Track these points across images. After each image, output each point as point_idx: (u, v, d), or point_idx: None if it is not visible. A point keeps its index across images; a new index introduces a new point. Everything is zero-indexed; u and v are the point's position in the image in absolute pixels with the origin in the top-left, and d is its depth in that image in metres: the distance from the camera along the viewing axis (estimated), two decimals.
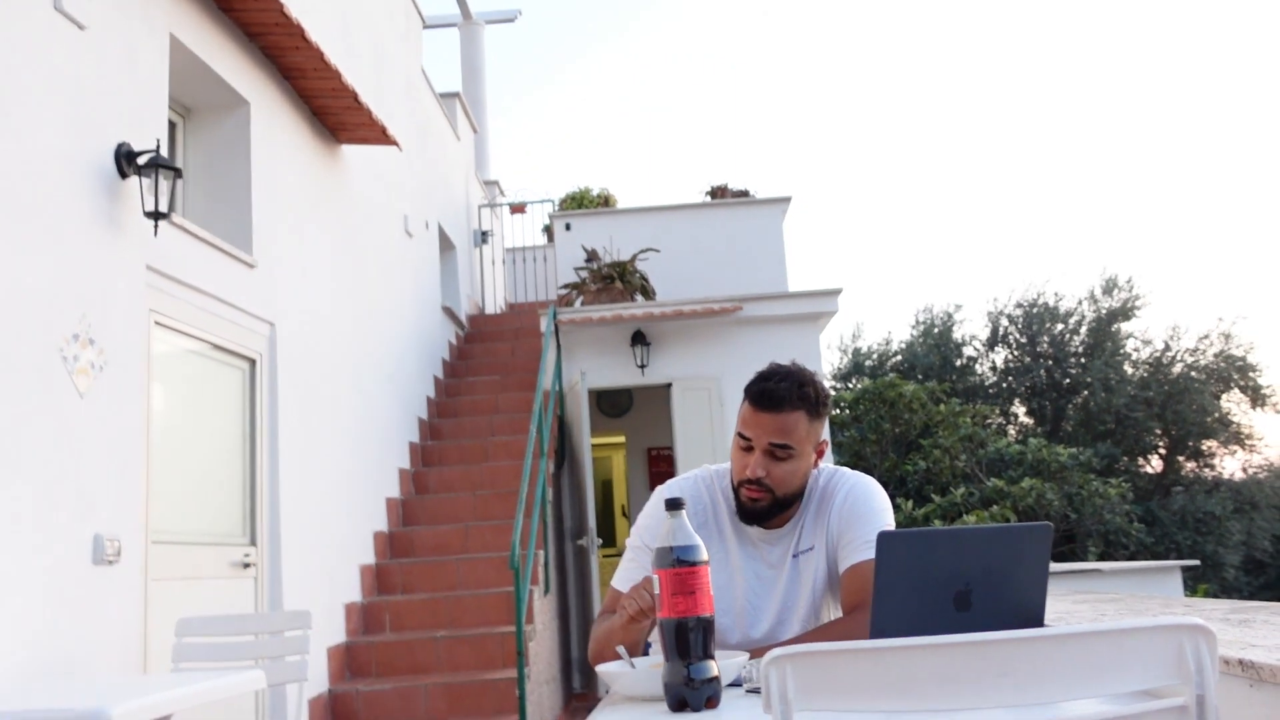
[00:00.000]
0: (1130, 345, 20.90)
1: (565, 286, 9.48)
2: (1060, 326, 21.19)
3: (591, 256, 9.32)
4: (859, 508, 2.01)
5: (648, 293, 9.21)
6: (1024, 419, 21.48)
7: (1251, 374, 20.19)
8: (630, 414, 10.82)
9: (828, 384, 11.78)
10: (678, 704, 1.44)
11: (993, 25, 40.27)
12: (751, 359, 8.34)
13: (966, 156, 42.26)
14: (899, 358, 21.78)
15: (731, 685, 1.62)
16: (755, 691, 1.56)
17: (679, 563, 1.47)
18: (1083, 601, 2.38)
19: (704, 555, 1.49)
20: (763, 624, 2.03)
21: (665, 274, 9.54)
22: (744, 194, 10.31)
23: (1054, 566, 10.57)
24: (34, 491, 3.34)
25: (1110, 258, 39.49)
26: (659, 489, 2.19)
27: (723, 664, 1.51)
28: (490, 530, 6.98)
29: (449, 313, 9.60)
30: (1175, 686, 1.01)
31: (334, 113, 6.14)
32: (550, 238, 11.96)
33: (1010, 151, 41.28)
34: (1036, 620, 1.59)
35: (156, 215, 3.98)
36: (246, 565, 4.86)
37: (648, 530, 2.10)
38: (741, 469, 1.98)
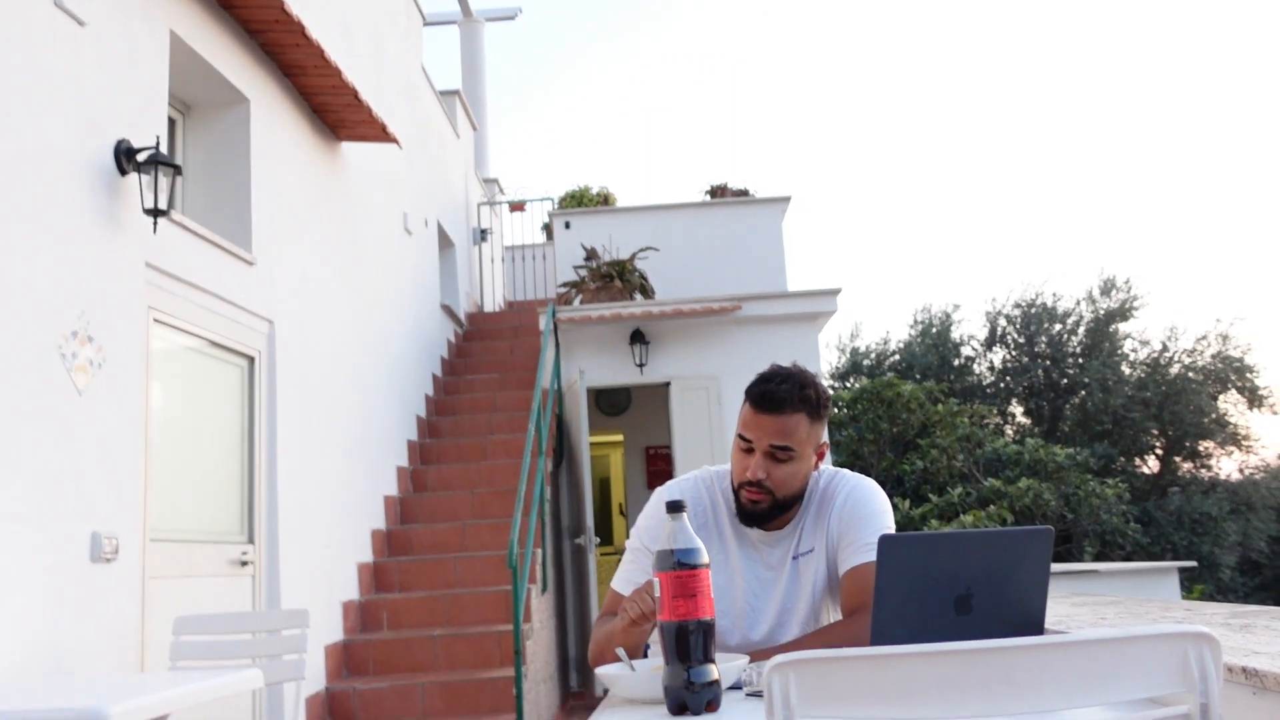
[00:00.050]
0: (1128, 346, 20.92)
1: (564, 285, 9.47)
2: (1058, 327, 21.20)
3: (591, 255, 9.31)
4: (859, 510, 2.01)
5: (647, 291, 9.21)
6: (1021, 419, 21.49)
7: (1249, 375, 20.22)
8: (628, 413, 10.82)
9: (826, 383, 11.78)
10: (678, 707, 1.43)
11: (992, 25, 40.27)
12: (750, 358, 8.35)
13: (965, 156, 42.26)
14: (897, 357, 21.79)
15: (732, 688, 1.61)
16: (756, 695, 1.55)
17: (680, 565, 1.47)
18: (1082, 604, 2.38)
19: (705, 558, 1.48)
20: (762, 626, 2.03)
21: (664, 273, 9.54)
22: (743, 193, 10.31)
23: (1052, 567, 10.55)
24: (32, 489, 3.33)
25: (1108, 258, 39.51)
26: (658, 490, 2.19)
27: (723, 667, 1.51)
28: (488, 529, 6.97)
29: (448, 311, 9.59)
30: (1179, 695, 1.01)
31: (334, 110, 6.13)
32: (549, 236, 11.96)
33: (1009, 151, 41.29)
34: (1037, 624, 1.59)
35: (156, 213, 3.97)
36: (244, 563, 4.85)
37: (647, 532, 2.09)
38: (742, 471, 1.97)
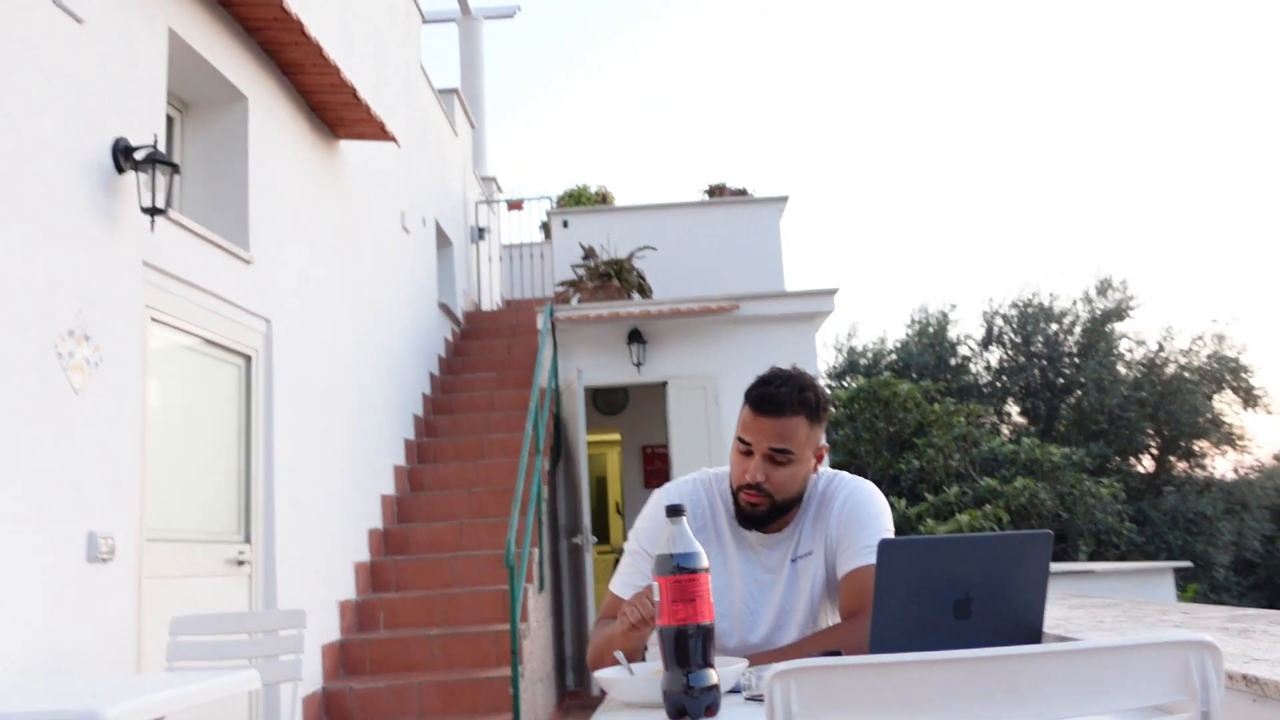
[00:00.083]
0: (1124, 346, 20.94)
1: (562, 284, 9.47)
2: (1054, 327, 21.22)
3: (589, 254, 9.30)
4: (858, 513, 2.01)
5: (644, 291, 9.21)
6: (1018, 418, 21.52)
7: (1244, 375, 20.25)
8: (626, 412, 10.82)
9: (822, 383, 11.77)
10: (677, 712, 1.43)
11: (990, 26, 40.29)
12: (747, 358, 8.35)
13: (963, 157, 42.28)
14: (894, 357, 21.81)
15: (731, 692, 1.61)
16: (754, 699, 1.55)
17: (679, 570, 1.46)
18: (1079, 606, 2.39)
19: (704, 562, 1.48)
20: (760, 628, 2.03)
21: (662, 272, 9.54)
22: (741, 193, 10.31)
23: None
24: (29, 489, 3.33)
25: (1105, 258, 39.57)
26: (656, 493, 2.18)
27: (722, 671, 1.51)
28: (485, 528, 6.97)
29: (445, 309, 9.58)
30: (1181, 702, 1.01)
31: (332, 108, 6.12)
32: (547, 234, 11.95)
33: (1007, 152, 41.32)
34: (1035, 628, 1.59)
35: (154, 211, 3.96)
36: (241, 563, 4.85)
37: (646, 535, 2.09)
38: (741, 474, 1.97)
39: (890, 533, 2.02)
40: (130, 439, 3.92)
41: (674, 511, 1.51)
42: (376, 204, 7.49)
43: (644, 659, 1.92)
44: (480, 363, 9.54)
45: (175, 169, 4.02)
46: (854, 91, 45.07)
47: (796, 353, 8.41)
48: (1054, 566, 10.20)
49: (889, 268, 39.74)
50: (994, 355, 21.93)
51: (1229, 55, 36.66)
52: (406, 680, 5.60)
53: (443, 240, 9.97)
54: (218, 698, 2.62)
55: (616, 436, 11.40)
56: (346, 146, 6.76)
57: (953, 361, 21.75)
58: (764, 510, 1.97)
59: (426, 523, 7.17)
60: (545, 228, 12.41)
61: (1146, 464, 20.79)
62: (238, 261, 4.98)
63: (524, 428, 7.06)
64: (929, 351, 21.49)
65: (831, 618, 2.05)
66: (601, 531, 11.47)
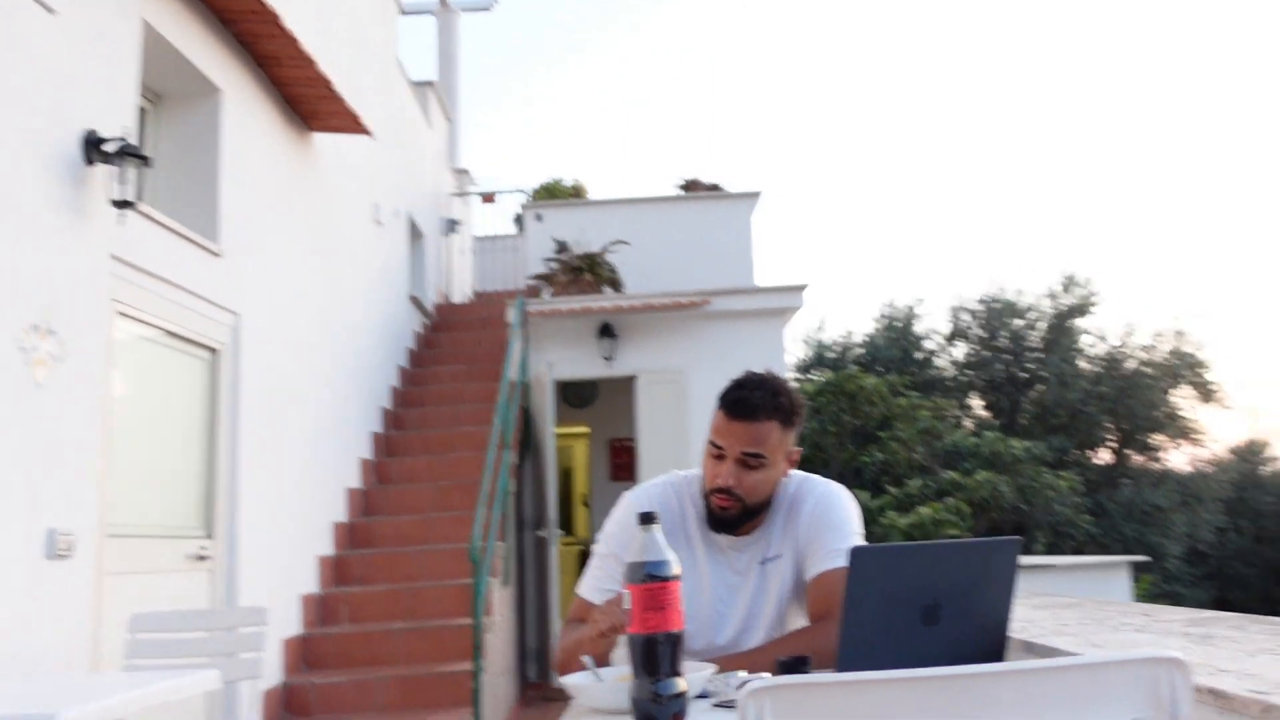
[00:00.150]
0: (1085, 341, 21.25)
1: (534, 277, 9.42)
2: (1019, 322, 21.48)
3: (562, 248, 9.26)
4: (828, 516, 2.01)
5: (617, 285, 9.18)
6: (981, 412, 21.78)
7: (1201, 370, 20.63)
8: (595, 405, 10.80)
9: (790, 376, 11.82)
10: (644, 719, 1.43)
11: (963, 27, 40.58)
12: (717, 353, 8.36)
13: (934, 154, 42.60)
14: (861, 350, 21.97)
15: (699, 697, 1.61)
16: (723, 706, 1.55)
17: (650, 578, 1.46)
18: (1042, 607, 2.41)
19: (676, 570, 1.47)
20: (728, 630, 2.03)
21: (634, 266, 9.52)
22: (715, 188, 10.30)
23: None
24: None
25: (1071, 255, 40.09)
26: (626, 495, 2.17)
27: (690, 677, 1.50)
28: (451, 521, 6.93)
29: (416, 302, 9.51)
30: (1149, 718, 1.01)
31: (307, 101, 6.05)
32: (520, 227, 11.89)
33: (977, 150, 41.69)
34: (1001, 634, 1.60)
35: (123, 204, 3.89)
36: (202, 558, 4.78)
37: (615, 538, 2.08)
38: (713, 477, 1.96)
39: (860, 536, 2.02)
40: (92, 434, 3.85)
41: (646, 519, 1.50)
42: (349, 197, 7.43)
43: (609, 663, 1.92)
44: (450, 356, 9.48)
45: (146, 161, 3.95)
46: (828, 89, 45.24)
47: (766, 348, 8.43)
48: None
49: (858, 263, 40.03)
50: (959, 350, 22.17)
51: (1193, 56, 37.21)
52: (368, 675, 5.56)
53: (415, 233, 9.90)
54: (177, 699, 2.59)
55: (584, 429, 11.38)
56: (320, 139, 6.69)
57: (919, 355, 21.95)
58: (734, 514, 1.96)
59: (392, 516, 7.11)
60: (518, 220, 12.35)
61: (1105, 457, 21.13)
62: (207, 255, 4.91)
63: (493, 421, 7.02)
64: (895, 345, 21.68)
65: (799, 620, 2.06)
66: (566, 524, 11.46)
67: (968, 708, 0.97)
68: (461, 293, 12.04)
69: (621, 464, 10.54)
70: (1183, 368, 20.58)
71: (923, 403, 17.74)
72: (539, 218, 10.15)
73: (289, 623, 5.76)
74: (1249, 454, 21.12)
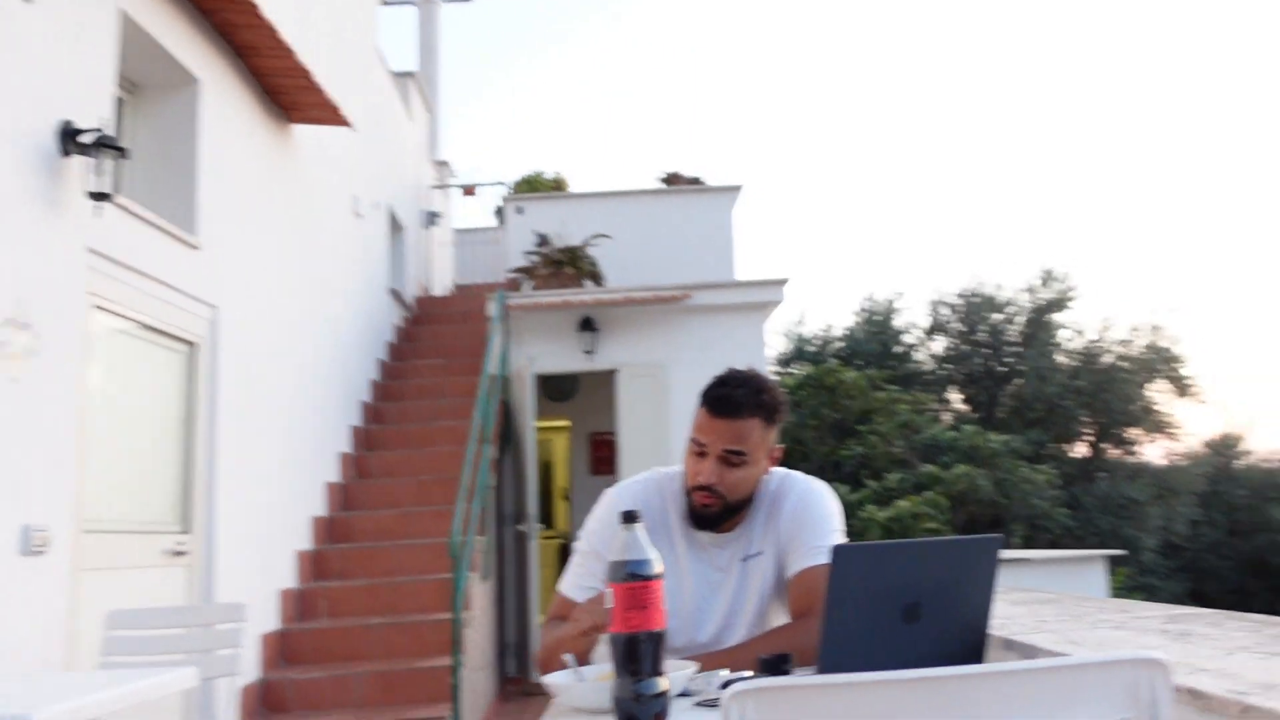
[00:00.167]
0: (1063, 335, 21.40)
1: (515, 270, 9.38)
2: (998, 316, 21.60)
3: (543, 241, 9.22)
4: (809, 513, 2.02)
5: (598, 278, 9.16)
6: (960, 405, 21.90)
7: (1177, 365, 20.82)
8: (575, 399, 10.79)
9: (770, 369, 11.85)
10: (626, 718, 1.42)
11: (942, 23, 40.73)
12: (698, 347, 8.36)
13: (914, 149, 42.76)
14: (841, 344, 22.04)
15: (680, 695, 1.61)
16: (705, 704, 1.55)
17: (633, 577, 1.45)
18: (1020, 603, 2.42)
19: (658, 568, 1.47)
20: (709, 627, 2.03)
21: (615, 259, 9.49)
22: (696, 181, 10.29)
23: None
24: None
25: (1051, 250, 40.39)
26: (608, 492, 2.16)
27: (671, 676, 1.50)
28: (431, 515, 6.90)
29: (396, 295, 9.46)
30: (1131, 719, 1.02)
31: (286, 92, 6.00)
32: (501, 219, 11.84)
33: (957, 144, 41.87)
34: (981, 632, 1.61)
35: (99, 196, 3.85)
36: (179, 553, 4.74)
37: (597, 535, 2.08)
38: (695, 474, 1.96)
39: (841, 534, 2.03)
40: (68, 429, 3.81)
41: (629, 518, 1.50)
42: (329, 189, 7.38)
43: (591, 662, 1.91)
44: (430, 349, 9.44)
45: (123, 153, 3.90)
46: (809, 83, 45.32)
47: (746, 342, 8.44)
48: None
49: (839, 256, 40.16)
50: (939, 343, 22.28)
51: (1168, 52, 37.50)
52: (347, 670, 5.54)
53: (395, 225, 9.84)
54: (153, 698, 2.56)
55: (565, 423, 11.36)
56: (300, 130, 6.64)
57: (898, 349, 22.05)
58: (716, 511, 1.97)
59: (372, 510, 7.08)
60: (499, 213, 12.30)
61: (1081, 450, 21.30)
62: (185, 247, 4.87)
63: (472, 415, 7.00)
64: (875, 339, 21.76)
65: (780, 617, 2.06)
66: (546, 518, 11.45)
67: (950, 709, 0.97)
68: (442, 286, 11.99)
69: (602, 458, 10.53)
70: (1158, 362, 20.77)
71: (902, 396, 17.84)
72: (520, 210, 10.10)
73: (267, 618, 5.73)
74: (1223, 447, 21.36)
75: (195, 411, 5.00)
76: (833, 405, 16.94)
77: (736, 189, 10.25)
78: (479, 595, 6.56)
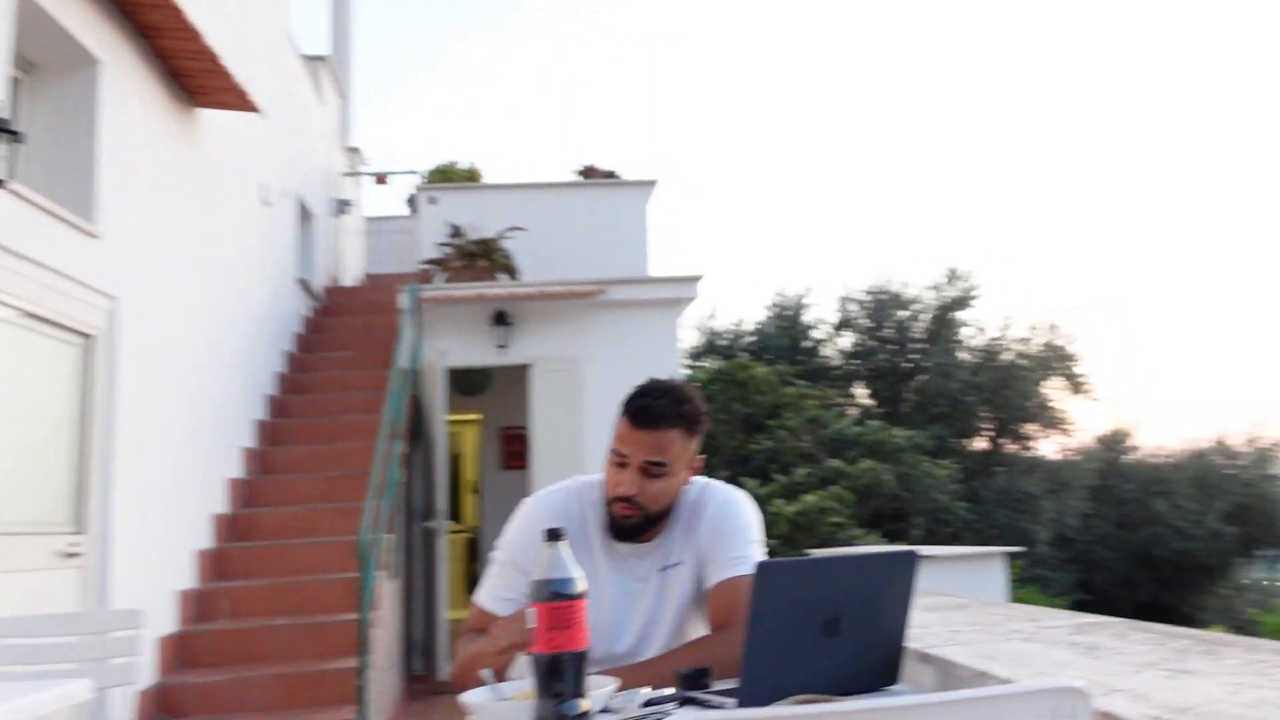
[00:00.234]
0: (966, 333, 21.99)
1: (427, 262, 9.23)
2: (904, 313, 22.07)
3: (456, 232, 9.09)
4: (728, 524, 2.02)
5: (512, 272, 9.07)
6: (865, 400, 22.34)
7: (1071, 363, 21.60)
8: (487, 393, 10.68)
9: (682, 364, 11.92)
10: None
11: (851, 21, 41.43)
12: (612, 342, 8.35)
13: (825, 147, 43.45)
14: (752, 338, 22.27)
15: (601, 712, 1.59)
16: None
17: (555, 596, 1.43)
18: (932, 609, 2.48)
19: (582, 586, 1.45)
20: (626, 638, 2.02)
21: (530, 253, 9.42)
22: (611, 175, 10.27)
23: (887, 549, 11.08)
24: None
25: (958, 249, 41.51)
26: (527, 502, 2.13)
27: (592, 694, 1.49)
28: (338, 513, 6.75)
29: (304, 285, 9.22)
30: None
31: (192, 75, 5.78)
32: (414, 209, 11.64)
33: (870, 143, 42.68)
34: (898, 645, 1.64)
35: None
36: (72, 555, 4.54)
37: (515, 545, 2.04)
38: (615, 485, 1.95)
39: (760, 544, 2.04)
40: None
41: (553, 536, 1.48)
42: (236, 175, 7.17)
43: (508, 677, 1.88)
44: (339, 341, 9.23)
45: (17, 136, 3.71)
46: (724, 80, 45.65)
47: (660, 338, 8.46)
48: (895, 548, 10.63)
49: (751, 252, 40.60)
50: (846, 339, 22.68)
51: (1075, 50, 38.85)
52: (248, 673, 5.39)
53: (304, 213, 9.59)
54: (44, 713, 2.44)
55: (476, 416, 11.25)
56: (206, 115, 6.41)
57: (807, 344, 22.38)
58: (636, 522, 1.96)
59: (276, 507, 6.90)
60: (412, 202, 12.08)
61: (981, 445, 21.95)
62: (83, 236, 4.65)
63: (382, 409, 6.86)
64: (785, 334, 22.05)
65: (699, 628, 2.06)
66: (455, 512, 11.33)
67: None
68: (352, 275, 11.74)
69: (514, 452, 10.45)
70: (1054, 360, 21.51)
71: (810, 392, 18.11)
72: (433, 201, 9.94)
73: (165, 620, 5.54)
74: (1112, 443, 22.22)
75: (91, 407, 4.79)
76: (743, 400, 17.12)
77: (652, 183, 10.27)
78: (387, 594, 6.44)
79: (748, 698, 1.46)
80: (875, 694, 1.59)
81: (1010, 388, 20.85)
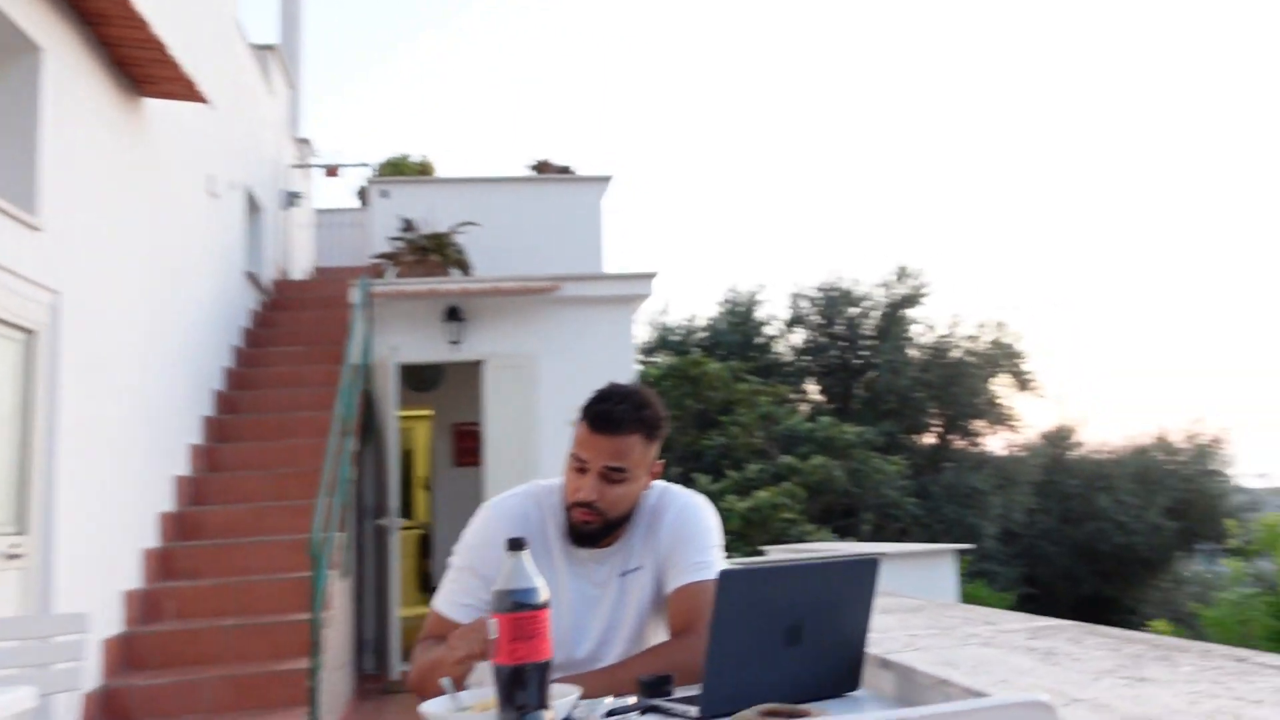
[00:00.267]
0: (915, 330, 22.26)
1: (379, 256, 9.11)
2: (855, 310, 22.29)
3: (408, 226, 8.98)
4: (688, 529, 2.02)
5: (465, 267, 8.99)
6: (816, 396, 22.53)
7: (1018, 360, 21.97)
8: (440, 388, 10.59)
9: (635, 360, 11.92)
10: None
11: (806, 18, 41.68)
12: (566, 339, 8.32)
13: (778, 144, 43.69)
14: (705, 334, 22.34)
15: None
16: None
17: (518, 606, 1.42)
18: (890, 611, 2.50)
19: (544, 596, 1.44)
20: (587, 643, 2.01)
21: (483, 248, 9.34)
22: (565, 170, 10.21)
23: (840, 547, 11.17)
24: None
25: (908, 247, 42.00)
26: (486, 507, 2.11)
27: (554, 704, 1.47)
28: (287, 511, 6.65)
29: (252, 279, 9.06)
30: None
31: (139, 64, 5.64)
32: (365, 202, 11.48)
33: (824, 141, 42.99)
34: (859, 652, 1.65)
35: None
36: (14, 556, 4.42)
37: (474, 551, 2.02)
38: (574, 490, 1.94)
39: (720, 549, 2.04)
40: None
41: (515, 545, 1.46)
42: (183, 167, 7.03)
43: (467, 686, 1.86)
44: (289, 336, 9.09)
45: None
46: (677, 76, 45.68)
47: (614, 335, 8.44)
48: (846, 547, 10.76)
49: (704, 248, 40.72)
50: (798, 336, 22.84)
51: (1023, 54, 39.44)
52: (196, 675, 5.29)
53: (253, 206, 9.43)
54: None
55: (427, 412, 11.15)
56: (152, 105, 6.27)
57: (759, 340, 22.50)
58: (596, 528, 1.95)
59: (223, 505, 6.78)
60: (362, 195, 11.91)
61: (930, 441, 22.25)
62: (24, 228, 4.53)
63: (333, 405, 6.77)
64: (737, 330, 22.15)
65: (659, 633, 2.06)
66: (406, 508, 11.23)
67: None
68: (302, 269, 11.56)
69: (466, 449, 10.38)
70: (1002, 357, 21.86)
71: (762, 388, 18.22)
72: (385, 194, 9.81)
73: (110, 621, 5.41)
74: (1057, 439, 22.64)
75: (33, 404, 4.66)
76: (696, 396, 17.17)
77: (606, 179, 10.23)
78: (338, 593, 6.36)
79: (710, 706, 1.46)
80: (837, 700, 1.60)
81: (959, 384, 21.15)
